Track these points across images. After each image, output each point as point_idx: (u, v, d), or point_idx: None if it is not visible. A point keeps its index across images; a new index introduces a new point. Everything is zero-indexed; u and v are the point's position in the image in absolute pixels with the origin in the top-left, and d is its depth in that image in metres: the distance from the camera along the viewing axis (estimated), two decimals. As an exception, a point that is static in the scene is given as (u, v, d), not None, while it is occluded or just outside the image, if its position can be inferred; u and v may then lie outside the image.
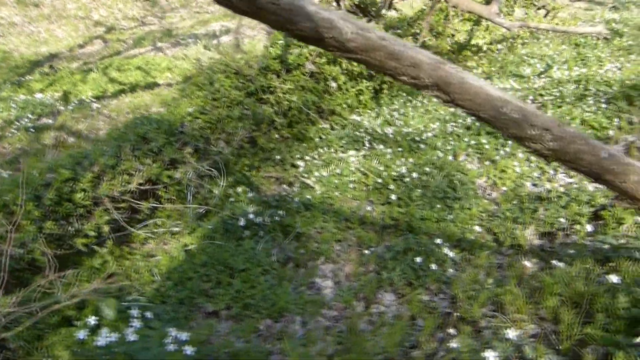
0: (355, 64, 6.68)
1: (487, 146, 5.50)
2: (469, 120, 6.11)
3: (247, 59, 6.33)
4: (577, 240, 3.44)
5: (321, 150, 6.14)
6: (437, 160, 5.24)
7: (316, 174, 5.36)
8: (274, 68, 6.00)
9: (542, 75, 7.48)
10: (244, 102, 5.42)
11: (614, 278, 2.33)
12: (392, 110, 6.93)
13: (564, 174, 4.84)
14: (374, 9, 7.50)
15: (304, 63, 6.26)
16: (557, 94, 6.33)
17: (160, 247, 4.72)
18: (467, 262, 3.69)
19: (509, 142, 5.54)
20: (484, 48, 7.85)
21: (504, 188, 4.72)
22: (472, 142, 5.71)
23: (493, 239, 3.96)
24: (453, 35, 7.90)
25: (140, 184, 4.44)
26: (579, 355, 2.15)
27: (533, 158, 5.15)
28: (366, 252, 4.13)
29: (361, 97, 7.09)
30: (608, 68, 7.03)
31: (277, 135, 6.06)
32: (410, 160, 5.41)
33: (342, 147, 6.18)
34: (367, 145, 6.00)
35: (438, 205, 4.45)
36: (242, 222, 4.62)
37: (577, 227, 3.60)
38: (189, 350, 2.65)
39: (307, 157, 5.88)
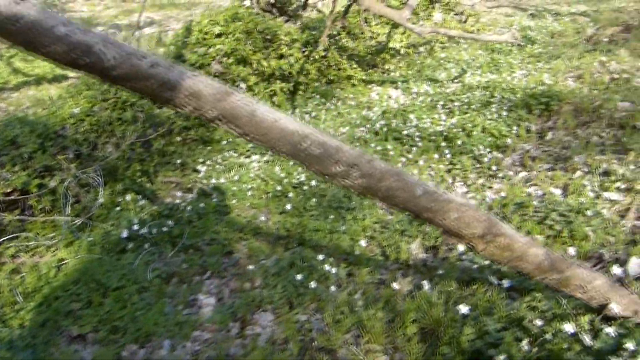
0: (265, 63, 6.46)
1: (392, 152, 5.43)
2: (377, 125, 6.04)
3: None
4: (453, 257, 3.39)
5: (227, 154, 5.89)
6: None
7: (213, 180, 5.11)
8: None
9: (456, 80, 7.55)
10: (138, 104, 5.08)
11: (463, 308, 2.24)
12: (305, 113, 6.76)
13: (461, 183, 4.84)
14: (290, 8, 7.30)
15: (210, 63, 5.97)
16: (466, 100, 6.38)
17: (34, 261, 4.32)
18: (350, 279, 3.56)
19: (414, 147, 5.52)
20: (402, 51, 7.83)
21: (400, 198, 4.65)
22: (379, 147, 5.64)
23: (381, 252, 3.86)
24: (371, 38, 7.84)
25: (7, 194, 4.04)
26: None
27: (434, 165, 5.13)
28: (251, 267, 3.92)
29: (275, 99, 6.87)
30: (517, 75, 7.17)
31: (179, 138, 5.74)
32: (313, 166, 5.26)
33: (248, 150, 5.95)
34: (274, 149, 5.80)
35: (331, 216, 4.32)
36: (124, 234, 4.31)
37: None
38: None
39: (209, 162, 5.62)
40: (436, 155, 5.24)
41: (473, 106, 6.11)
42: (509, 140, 5.24)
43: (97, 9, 16.36)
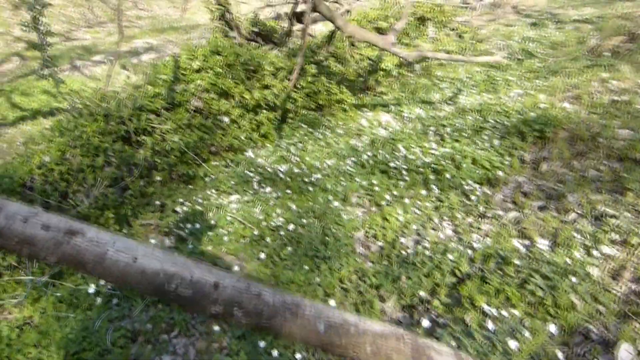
0: (248, 96, 6.26)
1: (377, 188, 5.17)
2: (364, 156, 5.79)
3: (127, 93, 5.80)
4: (435, 316, 3.11)
5: (208, 192, 5.68)
6: (318, 209, 4.86)
7: (189, 225, 4.90)
8: (151, 107, 5.50)
9: (450, 101, 7.26)
10: (110, 148, 4.91)
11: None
12: (292, 144, 6.53)
13: (449, 222, 4.55)
14: (276, 35, 7.10)
15: (190, 99, 5.79)
16: (458, 126, 6.09)
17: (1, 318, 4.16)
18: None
19: (401, 182, 5.25)
20: (394, 72, 7.56)
21: (380, 243, 4.38)
22: (364, 182, 5.38)
23: (354, 310, 3.60)
24: (361, 61, 7.59)
25: (-34, 255, 3.87)
26: None
27: (420, 203, 4.85)
28: (217, 328, 3.69)
29: (262, 129, 6.66)
30: (513, 94, 6.86)
31: (159, 178, 5.56)
32: (294, 207, 5.03)
33: (230, 187, 5.74)
34: (256, 186, 5.58)
35: (305, 267, 4.06)
36: (91, 289, 4.11)
37: (435, 302, 3.27)
38: None
39: (188, 203, 5.41)
40: (424, 192, 4.96)
41: (465, 133, 5.81)
42: (500, 173, 4.93)
43: (100, 35, 16.40)
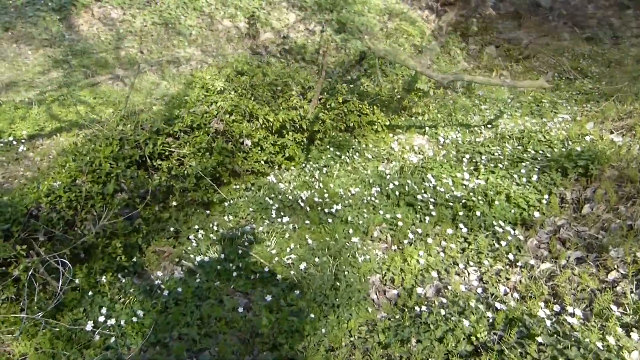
0: (272, 118, 6.01)
1: (400, 223, 4.79)
2: (391, 185, 5.41)
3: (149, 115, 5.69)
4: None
5: (226, 219, 5.47)
6: (334, 245, 4.54)
7: (198, 258, 4.70)
8: (168, 131, 5.34)
9: (490, 125, 6.76)
10: (121, 174, 4.77)
11: None
12: (317, 168, 6.23)
13: (474, 268, 4.12)
14: (306, 53, 6.83)
15: (210, 121, 5.60)
16: (495, 155, 5.61)
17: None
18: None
19: (427, 217, 4.85)
20: (430, 92, 7.14)
21: (396, 291, 4.00)
22: (388, 215, 5.01)
23: (359, 372, 3.25)
24: (396, 80, 7.20)
25: (-33, 286, 3.80)
26: None
27: (445, 243, 4.44)
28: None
29: (287, 152, 6.38)
30: (559, 119, 6.30)
31: (174, 203, 5.39)
32: (310, 241, 4.73)
33: (249, 214, 5.50)
34: (274, 214, 5.32)
35: (312, 315, 3.75)
36: (89, 326, 3.95)
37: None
38: None
39: (202, 231, 5.21)
40: (450, 230, 4.54)
41: (501, 164, 5.33)
42: (537, 213, 4.45)
43: (147, 42, 16.68)
